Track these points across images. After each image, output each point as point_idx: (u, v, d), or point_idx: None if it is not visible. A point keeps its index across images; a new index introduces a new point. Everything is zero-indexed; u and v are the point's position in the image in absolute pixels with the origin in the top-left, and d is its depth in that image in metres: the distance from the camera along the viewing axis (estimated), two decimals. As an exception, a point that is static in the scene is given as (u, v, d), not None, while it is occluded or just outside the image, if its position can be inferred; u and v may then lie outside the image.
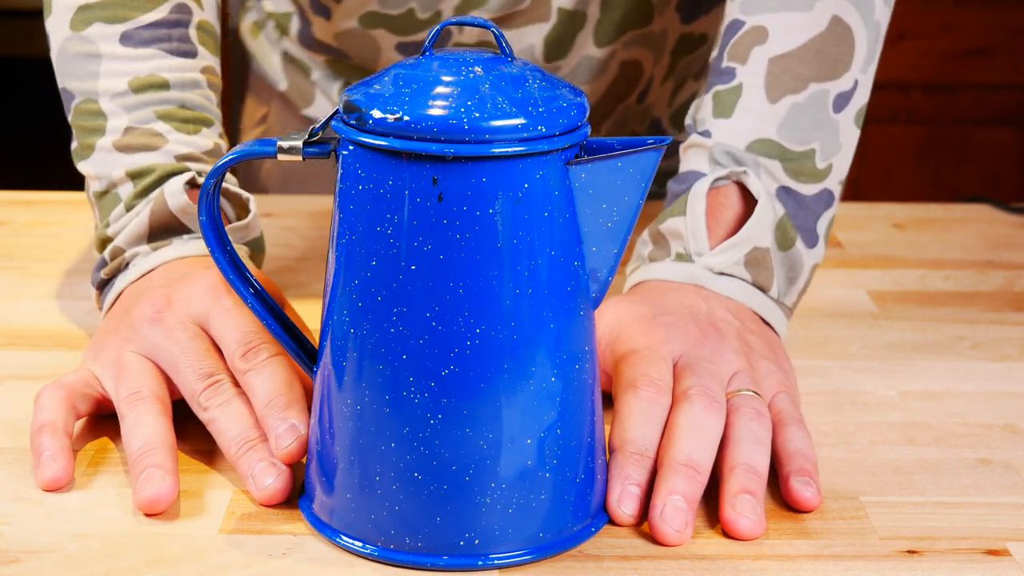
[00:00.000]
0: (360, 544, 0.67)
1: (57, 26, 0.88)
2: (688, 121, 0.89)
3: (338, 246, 0.66)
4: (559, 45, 1.07)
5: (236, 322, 0.75)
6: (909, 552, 0.68)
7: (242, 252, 0.85)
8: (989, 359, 0.91)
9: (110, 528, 0.69)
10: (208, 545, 0.68)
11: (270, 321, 0.72)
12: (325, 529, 0.68)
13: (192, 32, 0.88)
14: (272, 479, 0.70)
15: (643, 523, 0.70)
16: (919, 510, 0.72)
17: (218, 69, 0.90)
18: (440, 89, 0.63)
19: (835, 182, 0.86)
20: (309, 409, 0.71)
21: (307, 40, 1.14)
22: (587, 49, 1.08)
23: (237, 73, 1.23)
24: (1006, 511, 0.72)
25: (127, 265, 0.83)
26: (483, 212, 0.63)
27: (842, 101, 0.86)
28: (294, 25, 1.15)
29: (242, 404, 0.73)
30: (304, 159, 0.68)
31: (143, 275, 0.82)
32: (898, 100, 2.39)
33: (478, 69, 0.64)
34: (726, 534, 0.69)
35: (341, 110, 0.65)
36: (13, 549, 0.67)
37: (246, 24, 1.23)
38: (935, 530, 0.70)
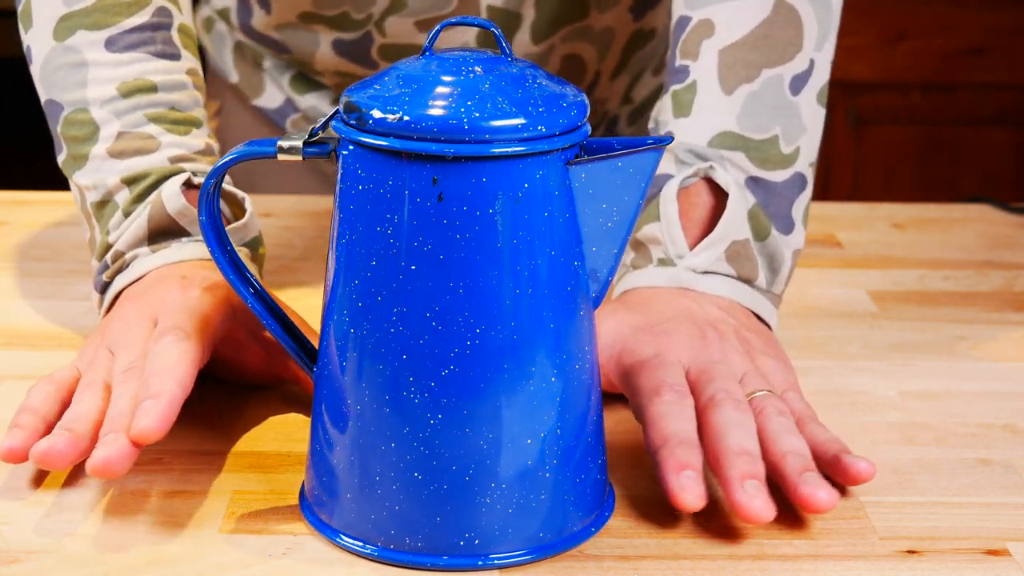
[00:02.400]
0: (360, 544, 0.67)
1: (39, 39, 0.88)
2: (651, 125, 0.89)
3: (338, 246, 0.66)
4: (492, 43, 1.07)
5: (170, 315, 0.76)
6: (909, 552, 0.68)
7: (243, 255, 0.85)
8: (989, 359, 0.91)
9: (110, 528, 0.69)
10: (208, 545, 0.68)
11: (270, 321, 0.72)
12: (325, 529, 0.68)
13: (174, 35, 0.88)
14: (102, 448, 0.68)
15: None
16: (919, 510, 0.72)
17: (199, 71, 0.91)
18: (440, 89, 0.63)
19: (805, 164, 0.86)
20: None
21: (249, 31, 1.15)
22: (524, 46, 1.08)
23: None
24: (1006, 511, 0.72)
25: (127, 266, 0.83)
26: (483, 212, 0.63)
27: (798, 83, 0.86)
28: (235, 16, 1.15)
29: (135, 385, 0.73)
30: (304, 159, 0.68)
31: (140, 277, 0.82)
32: (897, 100, 2.39)
33: (478, 69, 0.64)
34: (771, 538, 0.68)
35: (341, 110, 0.65)
36: (13, 549, 0.67)
37: (199, 20, 1.23)
38: (935, 530, 0.70)
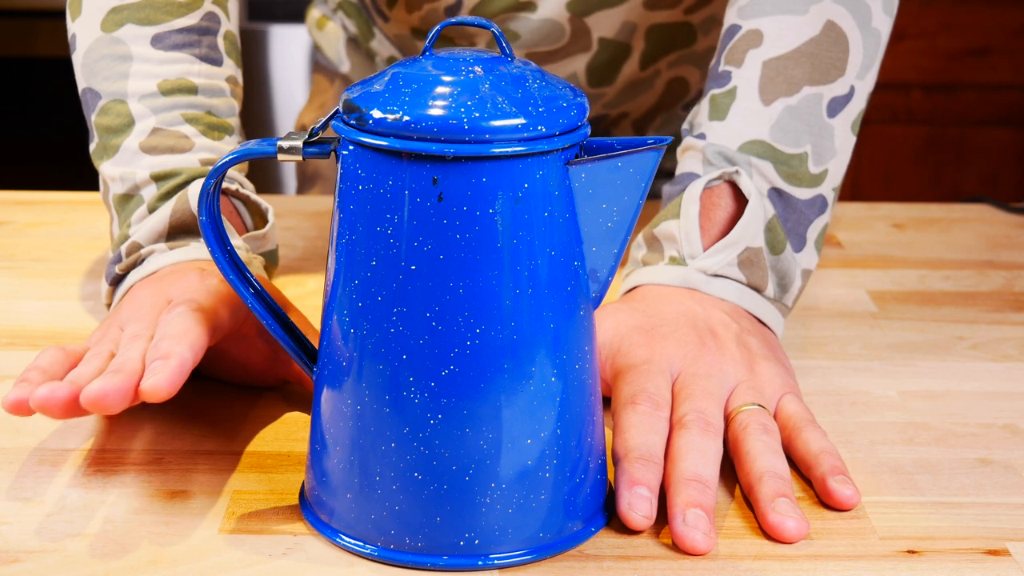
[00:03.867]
0: (360, 544, 0.67)
1: (86, 28, 0.88)
2: (684, 126, 0.89)
3: (338, 246, 0.66)
4: (601, 72, 1.09)
5: (182, 294, 0.77)
6: (909, 552, 0.68)
7: (257, 263, 0.85)
8: (989, 359, 0.91)
9: (110, 528, 0.69)
10: (208, 545, 0.68)
11: (270, 321, 0.72)
12: (325, 529, 0.68)
13: (220, 41, 0.89)
14: (98, 381, 0.68)
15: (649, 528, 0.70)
16: (919, 510, 0.72)
17: (239, 79, 0.91)
18: (440, 89, 0.63)
19: (829, 188, 0.86)
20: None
21: (378, 35, 1.18)
22: (632, 73, 1.09)
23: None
24: (1006, 511, 0.72)
25: (142, 261, 0.83)
26: (483, 212, 0.63)
27: (836, 106, 0.86)
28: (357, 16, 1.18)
29: (141, 345, 0.73)
30: (304, 159, 0.68)
31: (153, 272, 0.82)
32: (898, 100, 2.39)
33: (478, 69, 0.64)
34: (770, 537, 0.68)
35: (341, 110, 0.65)
36: (13, 549, 0.67)
37: (312, 19, 1.26)
38: (935, 530, 0.70)
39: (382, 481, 0.65)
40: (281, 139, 0.68)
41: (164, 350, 0.70)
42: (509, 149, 0.62)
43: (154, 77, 0.87)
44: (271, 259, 0.88)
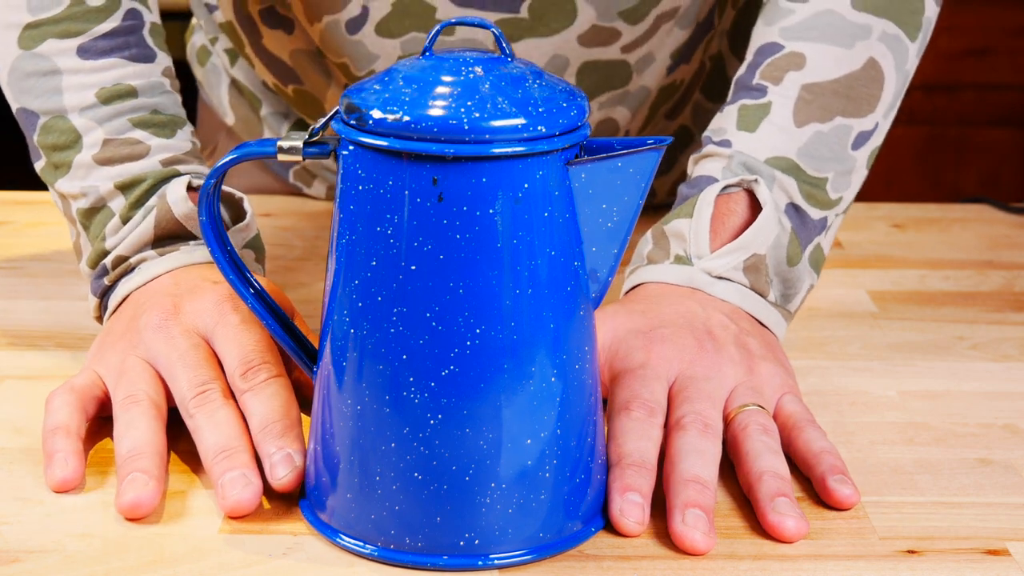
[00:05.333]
0: (360, 544, 0.66)
1: (2, 46, 0.85)
2: (706, 133, 0.89)
3: (338, 246, 0.66)
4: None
5: (240, 339, 0.75)
6: (909, 552, 0.68)
7: (247, 257, 0.85)
8: (989, 359, 0.91)
9: (110, 528, 0.69)
10: (208, 545, 0.68)
11: (271, 322, 0.72)
12: (325, 529, 0.68)
13: (147, 36, 0.86)
14: (239, 490, 0.69)
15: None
16: (919, 510, 0.72)
17: (172, 67, 0.89)
18: (440, 89, 0.63)
19: (834, 214, 0.87)
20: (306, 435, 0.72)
21: (258, 49, 1.10)
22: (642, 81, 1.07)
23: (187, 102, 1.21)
24: (1006, 511, 0.72)
25: (132, 270, 0.83)
26: (483, 212, 0.63)
27: (861, 140, 0.87)
28: (244, 34, 1.11)
29: (230, 414, 0.73)
30: (304, 159, 0.68)
31: (149, 280, 0.82)
32: (898, 100, 2.39)
33: (478, 69, 0.64)
34: (770, 537, 0.69)
35: (341, 110, 0.65)
36: (13, 549, 0.67)
37: (192, 50, 1.21)
38: (935, 530, 0.70)
39: (382, 481, 0.65)
40: (281, 139, 0.68)
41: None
42: (509, 149, 0.62)
43: (90, 88, 0.84)
44: (256, 247, 0.86)
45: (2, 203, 1.18)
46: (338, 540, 0.67)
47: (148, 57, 0.86)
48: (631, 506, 0.68)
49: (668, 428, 0.73)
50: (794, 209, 0.84)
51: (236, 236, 0.84)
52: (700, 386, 0.75)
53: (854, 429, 0.80)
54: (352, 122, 0.64)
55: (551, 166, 0.64)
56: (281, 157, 0.67)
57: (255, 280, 0.72)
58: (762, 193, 0.83)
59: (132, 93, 0.85)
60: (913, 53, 0.89)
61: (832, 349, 0.92)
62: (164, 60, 0.88)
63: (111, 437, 0.77)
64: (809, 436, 0.74)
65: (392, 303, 0.64)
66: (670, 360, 0.77)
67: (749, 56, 0.89)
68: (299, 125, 1.15)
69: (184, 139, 0.86)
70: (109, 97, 0.84)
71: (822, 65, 0.86)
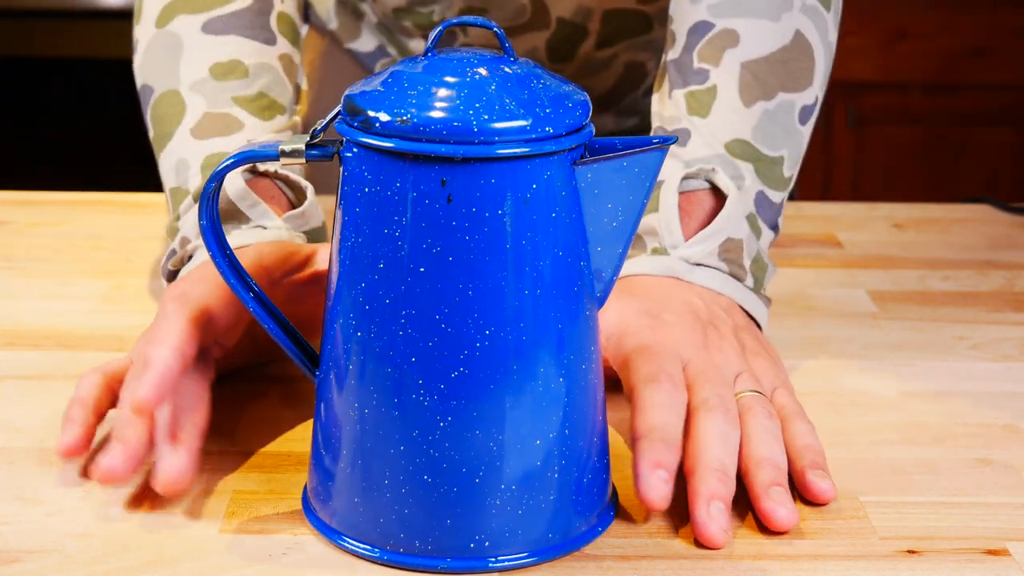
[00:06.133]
0: (368, 548, 0.66)
1: (145, 29, 0.89)
2: (656, 122, 0.89)
3: (342, 249, 0.66)
4: (560, 49, 1.09)
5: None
6: (909, 552, 0.68)
7: (300, 241, 0.84)
8: (989, 359, 0.91)
9: (110, 528, 0.69)
10: (208, 545, 0.68)
11: (271, 324, 0.71)
12: (328, 531, 0.68)
13: (272, 20, 0.89)
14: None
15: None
16: (919, 510, 0.72)
17: (295, 58, 0.91)
18: (447, 91, 0.63)
19: (787, 194, 0.88)
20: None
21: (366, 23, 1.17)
22: (588, 53, 1.10)
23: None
24: (1006, 511, 0.72)
25: (190, 257, 0.83)
26: (491, 213, 0.63)
27: (805, 115, 0.88)
28: None
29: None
30: (307, 161, 0.67)
31: (199, 266, 0.81)
32: (898, 100, 2.39)
33: (482, 70, 0.64)
34: (762, 527, 0.69)
35: (343, 112, 0.65)
36: (13, 549, 0.67)
37: None
38: (935, 530, 0.70)
39: (390, 484, 0.65)
40: (283, 143, 0.68)
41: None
42: (518, 150, 0.62)
43: (205, 62, 0.86)
44: (317, 238, 0.86)
45: (2, 203, 1.18)
46: (342, 542, 0.67)
47: (269, 40, 0.88)
48: (660, 482, 0.68)
49: (691, 408, 0.73)
50: (761, 195, 0.85)
51: (292, 221, 0.84)
52: (717, 371, 0.75)
53: (854, 429, 0.80)
54: (356, 124, 0.64)
55: (558, 166, 0.64)
56: (283, 160, 0.67)
57: (255, 284, 0.72)
58: (722, 180, 0.84)
59: (243, 71, 0.86)
60: (831, 24, 0.89)
61: (832, 349, 0.92)
62: (285, 46, 0.89)
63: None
64: (796, 430, 0.74)
65: (400, 305, 0.64)
66: (680, 343, 0.77)
67: (681, 37, 0.89)
68: (399, 34, 1.17)
69: (280, 125, 0.87)
70: (220, 73, 0.86)
71: (756, 40, 0.86)
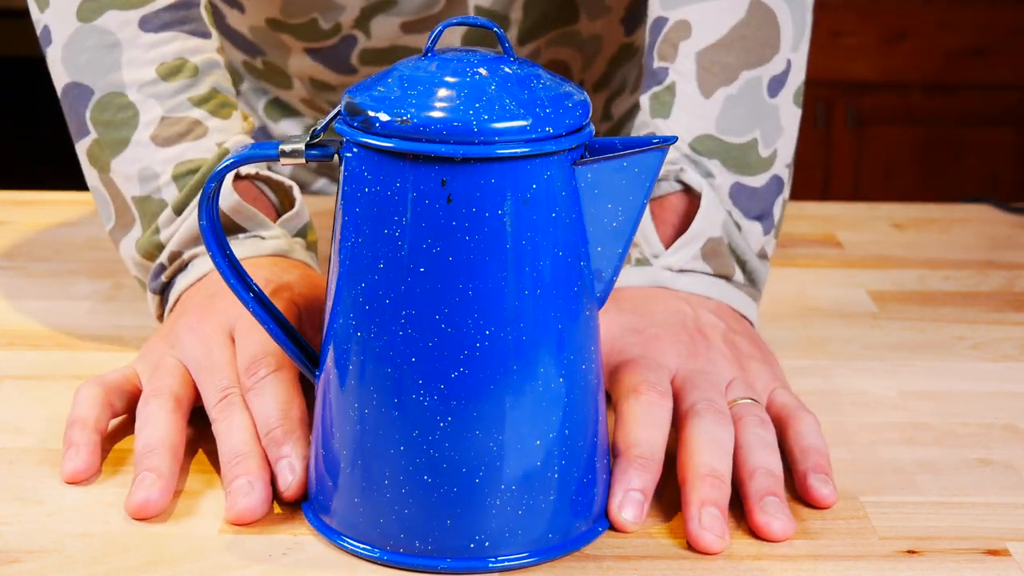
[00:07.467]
0: (368, 548, 0.66)
1: (60, 19, 0.84)
2: (632, 133, 0.88)
3: (342, 249, 0.66)
4: (479, 43, 1.06)
5: (250, 335, 0.75)
6: (909, 552, 0.68)
7: (299, 247, 0.84)
8: (989, 359, 0.91)
9: (110, 528, 0.69)
10: (208, 545, 0.68)
11: (272, 326, 0.71)
12: (328, 532, 0.68)
13: (202, 12, 0.85)
14: (241, 498, 0.69)
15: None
16: (919, 510, 0.72)
17: (223, 47, 0.88)
18: (447, 91, 0.63)
19: (782, 166, 0.86)
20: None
21: (225, 29, 1.10)
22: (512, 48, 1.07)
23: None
24: (1006, 511, 0.72)
25: (186, 266, 0.82)
26: (492, 213, 0.63)
27: (776, 85, 0.85)
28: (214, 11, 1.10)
29: (245, 419, 0.72)
30: (307, 162, 0.67)
31: (201, 277, 0.81)
32: (898, 100, 2.39)
33: (482, 70, 0.64)
34: (757, 537, 0.69)
35: (344, 112, 0.65)
36: (13, 549, 0.67)
37: None
38: (935, 530, 0.70)
39: (390, 485, 0.65)
40: (283, 143, 0.67)
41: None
42: (518, 150, 0.62)
43: (149, 63, 0.83)
44: (305, 233, 0.86)
45: (2, 203, 1.18)
46: (341, 543, 0.67)
47: (204, 34, 0.85)
48: (632, 504, 0.68)
49: (680, 415, 0.73)
50: (738, 187, 0.84)
51: (287, 224, 0.84)
52: (704, 378, 0.75)
53: (854, 429, 0.80)
54: (356, 124, 0.64)
55: (559, 166, 0.64)
56: (284, 160, 0.67)
57: (255, 285, 0.72)
58: (693, 179, 0.83)
59: (192, 70, 0.84)
60: None
61: (832, 349, 0.92)
62: (216, 39, 0.86)
63: (108, 437, 0.77)
64: (799, 429, 0.74)
65: (400, 306, 0.64)
66: (668, 354, 0.77)
67: (646, 37, 0.88)
68: (274, 102, 1.14)
69: (237, 120, 0.85)
70: (169, 73, 0.83)
71: (708, 25, 0.85)
